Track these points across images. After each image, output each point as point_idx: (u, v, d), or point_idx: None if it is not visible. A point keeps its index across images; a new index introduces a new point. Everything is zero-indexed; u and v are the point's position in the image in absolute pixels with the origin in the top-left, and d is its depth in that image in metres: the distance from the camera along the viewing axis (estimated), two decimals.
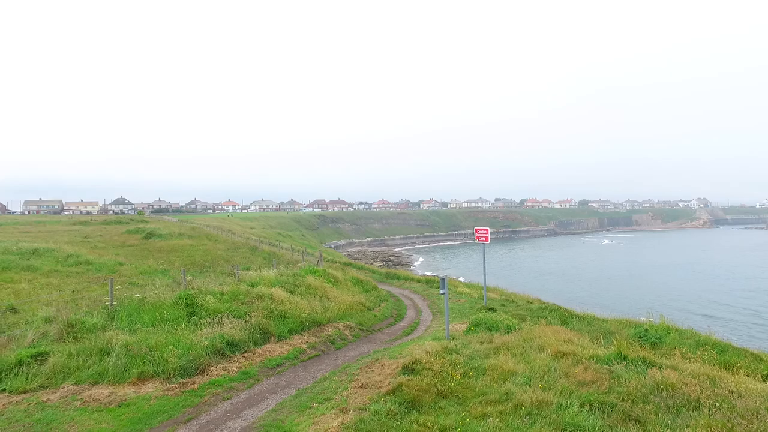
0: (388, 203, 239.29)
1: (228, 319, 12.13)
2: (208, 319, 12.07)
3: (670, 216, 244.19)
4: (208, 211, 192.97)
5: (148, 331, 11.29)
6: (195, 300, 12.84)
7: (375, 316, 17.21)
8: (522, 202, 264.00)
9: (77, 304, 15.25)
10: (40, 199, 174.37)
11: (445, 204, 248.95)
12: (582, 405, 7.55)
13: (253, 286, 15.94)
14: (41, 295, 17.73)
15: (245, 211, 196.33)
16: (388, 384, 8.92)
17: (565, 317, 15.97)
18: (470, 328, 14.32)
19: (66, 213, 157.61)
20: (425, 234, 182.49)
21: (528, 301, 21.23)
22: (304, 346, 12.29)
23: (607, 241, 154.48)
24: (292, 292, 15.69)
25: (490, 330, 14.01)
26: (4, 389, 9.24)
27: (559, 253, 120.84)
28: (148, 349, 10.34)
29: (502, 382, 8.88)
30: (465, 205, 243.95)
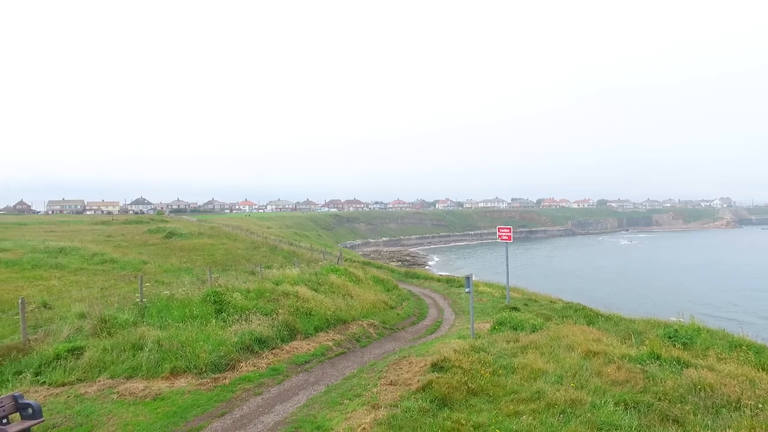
0: (404, 203, 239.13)
1: (255, 316, 12.29)
2: (236, 316, 12.24)
3: (692, 216, 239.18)
4: (226, 210, 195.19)
5: (179, 327, 11.49)
6: (223, 297, 13.03)
7: (398, 314, 17.25)
8: (539, 201, 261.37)
9: (107, 301, 15.58)
10: (63, 199, 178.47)
11: (460, 204, 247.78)
12: (617, 404, 7.48)
13: (277, 284, 16.11)
14: (71, 292, 18.15)
15: (262, 210, 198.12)
16: (418, 381, 8.94)
17: (591, 317, 15.79)
18: (495, 327, 14.26)
19: (88, 213, 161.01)
20: (441, 234, 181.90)
21: (551, 301, 21.05)
22: (330, 343, 12.38)
23: (624, 242, 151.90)
24: (316, 291, 15.81)
25: (516, 329, 13.93)
26: (44, 381, 9.51)
27: (576, 252, 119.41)
28: (179, 345, 10.53)
29: (532, 380, 8.82)
30: (481, 205, 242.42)
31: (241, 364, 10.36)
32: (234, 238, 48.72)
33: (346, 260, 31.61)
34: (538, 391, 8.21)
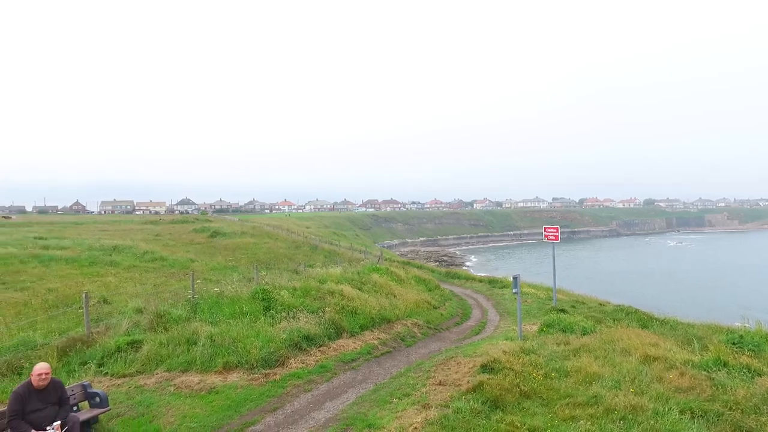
0: (441, 203, 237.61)
1: (302, 313, 12.46)
2: (283, 314, 12.46)
3: (750, 216, 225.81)
4: (266, 211, 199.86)
5: (230, 324, 11.80)
6: (270, 295, 13.29)
7: (441, 314, 17.11)
8: (581, 201, 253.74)
9: (160, 297, 16.22)
10: (114, 200, 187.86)
11: (499, 204, 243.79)
12: (682, 412, 7.11)
13: (321, 283, 16.31)
14: (127, 288, 19.01)
15: (300, 210, 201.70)
16: (468, 382, 8.81)
17: (644, 320, 15.13)
18: (543, 329, 13.90)
19: (137, 213, 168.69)
20: (479, 234, 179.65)
21: (599, 304, 20.34)
22: (376, 342, 12.40)
23: (672, 243, 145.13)
24: (359, 290, 15.89)
25: (565, 331, 13.53)
26: (107, 372, 9.97)
27: (621, 253, 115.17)
28: (231, 341, 10.81)
29: (587, 384, 8.53)
30: (520, 204, 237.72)
31: (290, 361, 10.52)
32: (275, 238, 49.82)
33: (386, 260, 31.68)
34: (595, 396, 7.92)
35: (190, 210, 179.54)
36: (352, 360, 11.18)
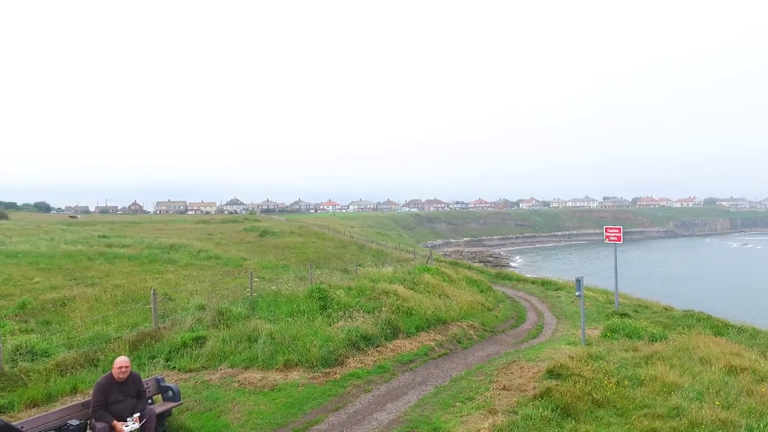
0: (486, 203, 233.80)
1: (359, 313, 12.46)
2: (339, 313, 12.50)
3: None
4: (311, 210, 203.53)
5: (288, 322, 11.96)
6: (327, 294, 13.38)
7: (496, 316, 16.69)
8: (634, 200, 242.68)
9: (218, 294, 16.73)
10: (169, 200, 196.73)
11: (546, 203, 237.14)
12: None
13: (374, 282, 16.31)
14: (186, 285, 19.74)
15: (344, 210, 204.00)
16: (534, 388, 8.49)
17: (719, 328, 14.14)
18: (606, 334, 13.26)
19: (189, 213, 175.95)
20: (525, 234, 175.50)
21: (664, 308, 19.23)
22: (432, 343, 12.21)
23: (735, 244, 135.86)
24: (412, 290, 15.75)
25: (630, 337, 12.85)
26: (174, 367, 10.32)
27: (678, 255, 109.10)
28: (290, 339, 10.94)
29: (666, 395, 8.01)
30: (569, 204, 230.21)
31: (349, 360, 10.52)
32: (323, 237, 50.50)
33: (434, 260, 31.37)
34: (676, 408, 7.41)
35: (238, 210, 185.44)
36: (410, 361, 11.05)
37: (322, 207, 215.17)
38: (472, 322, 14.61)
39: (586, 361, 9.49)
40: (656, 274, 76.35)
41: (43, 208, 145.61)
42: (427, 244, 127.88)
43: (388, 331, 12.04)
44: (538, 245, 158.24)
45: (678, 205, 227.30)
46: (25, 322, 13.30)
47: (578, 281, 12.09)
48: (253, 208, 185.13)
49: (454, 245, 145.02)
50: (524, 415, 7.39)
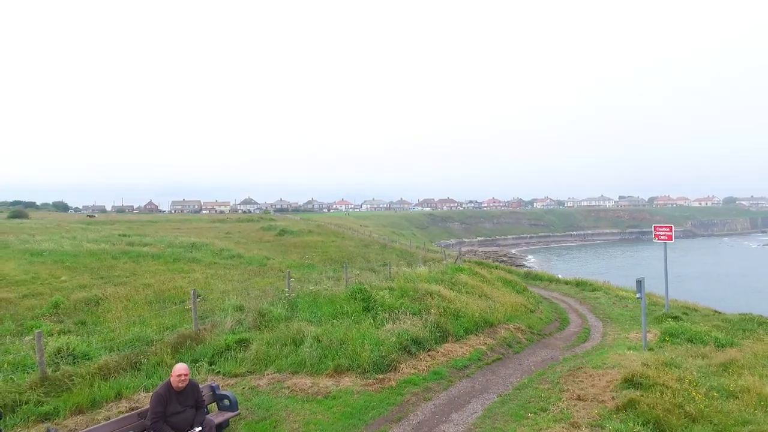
0: (499, 202, 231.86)
1: (405, 315, 11.87)
2: (385, 315, 11.93)
3: None
4: (324, 210, 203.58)
5: (333, 324, 11.42)
6: (370, 295, 12.82)
7: (540, 318, 15.99)
8: (651, 200, 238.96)
9: (251, 294, 16.28)
10: (184, 200, 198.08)
11: (561, 203, 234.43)
12: None
13: (414, 283, 15.74)
14: (216, 285, 19.33)
15: (357, 210, 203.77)
16: (613, 398, 7.82)
17: None
18: (664, 338, 12.53)
19: (204, 212, 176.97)
20: (539, 234, 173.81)
21: (714, 312, 18.35)
22: (484, 347, 11.58)
23: (755, 245, 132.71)
24: (453, 291, 15.12)
25: (692, 342, 12.13)
26: (219, 371, 9.83)
27: (700, 255, 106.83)
28: (338, 342, 10.40)
29: (765, 408, 7.29)
30: (584, 203, 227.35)
31: (401, 366, 9.94)
32: (342, 236, 50.06)
33: (462, 260, 30.66)
34: None
35: (252, 209, 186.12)
36: (464, 366, 10.44)
37: (334, 206, 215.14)
38: (518, 325, 13.93)
39: (662, 369, 8.79)
40: (684, 275, 74.74)
41: (61, 207, 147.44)
42: (440, 243, 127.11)
43: (438, 334, 11.44)
44: (553, 245, 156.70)
45: (696, 204, 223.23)
46: (61, 322, 12.94)
47: (639, 283, 11.36)
48: (266, 208, 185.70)
49: (468, 245, 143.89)
50: (613, 429, 6.74)
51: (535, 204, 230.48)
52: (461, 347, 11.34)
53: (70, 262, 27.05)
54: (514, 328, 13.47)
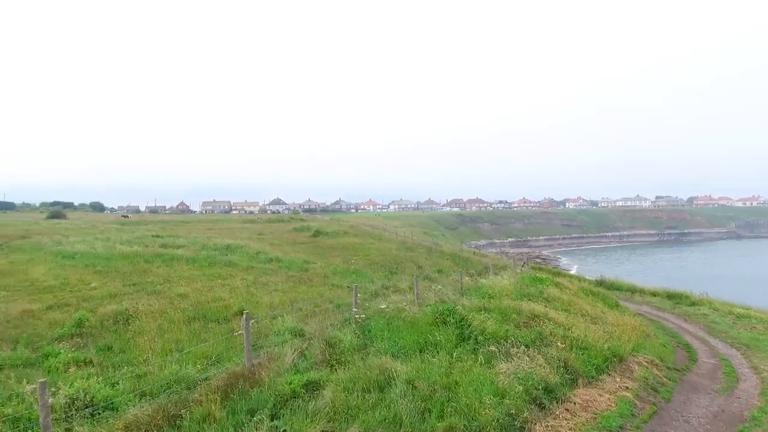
0: (530, 202, 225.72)
1: (517, 348, 9.04)
2: (491, 347, 9.12)
3: None
4: (351, 210, 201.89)
5: (425, 360, 8.70)
6: (464, 318, 10.03)
7: (662, 346, 12.89)
8: (690, 200, 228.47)
9: (301, 309, 13.77)
10: (214, 200, 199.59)
11: (595, 203, 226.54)
12: None
13: (491, 298, 12.94)
14: (261, 297, 16.89)
15: (385, 210, 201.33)
16: None
17: None
18: None
19: (233, 212, 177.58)
20: (572, 235, 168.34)
21: None
22: (628, 394, 8.65)
23: None
24: (555, 310, 12.19)
25: None
26: (285, 430, 7.21)
27: (750, 258, 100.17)
28: (441, 389, 7.66)
29: None
30: (619, 203, 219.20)
31: (536, 428, 7.11)
32: (379, 238, 47.42)
33: (528, 266, 27.52)
34: None
35: (281, 209, 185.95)
36: (620, 428, 7.53)
37: (362, 207, 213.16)
38: (648, 357, 10.90)
39: None
40: (732, 277, 69.37)
41: (97, 207, 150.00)
42: (470, 244, 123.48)
43: (567, 376, 8.56)
44: (586, 246, 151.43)
45: (740, 204, 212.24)
46: (82, 347, 10.63)
47: None
48: (295, 208, 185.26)
49: (498, 245, 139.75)
50: None
51: (567, 204, 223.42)
52: (600, 395, 8.43)
53: (102, 266, 25.20)
54: (647, 363, 10.45)
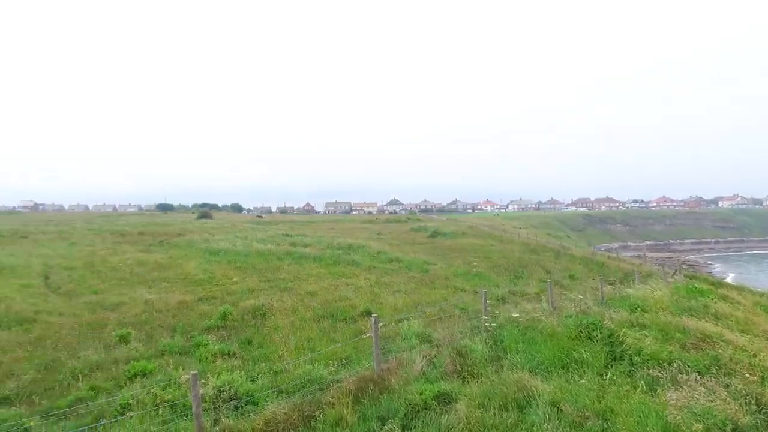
0: (672, 201, 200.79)
1: (686, 375, 7.56)
2: (651, 371, 7.77)
3: None
4: (468, 210, 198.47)
5: (570, 381, 7.69)
6: (615, 334, 8.76)
7: None
8: None
9: (424, 311, 13.39)
10: (336, 201, 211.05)
11: (758, 201, 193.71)
12: None
13: (643, 311, 11.22)
14: (384, 296, 16.95)
15: (503, 210, 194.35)
16: None
17: None
18: None
19: (354, 212, 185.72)
20: (728, 239, 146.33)
21: None
22: None
23: None
24: (727, 329, 10.16)
25: None
26: None
27: None
28: (595, 416, 6.64)
29: None
30: None
31: None
32: (500, 239, 45.56)
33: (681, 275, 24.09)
34: None
35: (397, 210, 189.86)
36: None
37: (479, 207, 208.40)
38: None
39: None
40: None
41: (236, 208, 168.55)
42: (600, 247, 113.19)
43: (761, 417, 6.91)
44: (746, 252, 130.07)
45: None
46: (226, 339, 11.50)
47: None
48: (411, 208, 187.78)
49: (633, 249, 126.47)
50: None
51: (720, 203, 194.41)
52: None
53: (241, 262, 27.73)
54: None
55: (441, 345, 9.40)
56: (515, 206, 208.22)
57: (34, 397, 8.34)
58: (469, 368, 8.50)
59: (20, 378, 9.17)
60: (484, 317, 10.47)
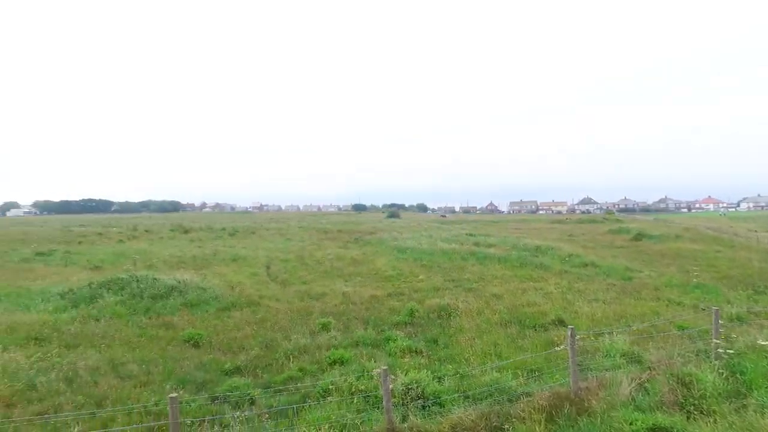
0: None
1: None
2: None
3: None
4: (682, 209, 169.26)
5: None
6: None
7: None
8: None
9: (631, 328, 11.56)
10: (521, 200, 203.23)
11: None
12: None
13: None
14: (578, 305, 15.31)
15: (732, 209, 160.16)
16: None
17: None
18: None
19: (540, 212, 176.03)
20: None
21: None
22: None
23: None
24: None
25: None
26: None
27: None
28: None
29: None
30: None
31: None
32: (729, 245, 37.34)
33: None
34: None
35: (591, 209, 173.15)
36: None
37: (698, 205, 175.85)
38: None
39: None
40: None
41: (422, 208, 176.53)
42: None
43: None
44: None
45: None
46: (413, 336, 11.81)
47: None
48: (608, 208, 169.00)
49: None
50: None
51: None
52: None
53: (426, 261, 28.58)
54: None
55: (654, 368, 7.92)
56: (750, 204, 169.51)
57: (257, 370, 9.80)
58: (696, 402, 6.95)
59: (249, 352, 10.91)
60: (715, 341, 8.49)
